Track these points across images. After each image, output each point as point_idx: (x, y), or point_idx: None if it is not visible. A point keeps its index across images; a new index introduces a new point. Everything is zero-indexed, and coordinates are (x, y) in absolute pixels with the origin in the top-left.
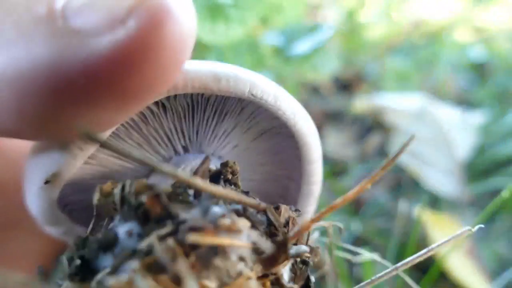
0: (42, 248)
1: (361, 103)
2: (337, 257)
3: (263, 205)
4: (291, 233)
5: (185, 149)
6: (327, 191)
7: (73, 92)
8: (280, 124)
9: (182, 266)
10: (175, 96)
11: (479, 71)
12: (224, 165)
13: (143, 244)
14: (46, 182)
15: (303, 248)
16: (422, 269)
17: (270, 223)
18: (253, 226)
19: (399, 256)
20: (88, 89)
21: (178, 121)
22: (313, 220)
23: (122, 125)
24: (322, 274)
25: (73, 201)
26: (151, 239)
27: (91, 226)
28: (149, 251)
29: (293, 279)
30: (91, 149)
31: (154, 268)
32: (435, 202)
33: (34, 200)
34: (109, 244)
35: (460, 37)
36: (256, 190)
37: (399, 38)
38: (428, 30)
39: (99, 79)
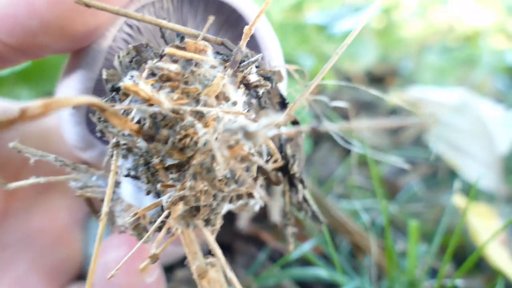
0: (72, 204)
1: (396, 95)
2: (386, 246)
3: (219, 38)
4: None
5: None
6: (363, 176)
7: None
8: None
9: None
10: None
11: None
12: None
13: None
14: (75, 106)
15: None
16: (457, 258)
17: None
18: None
19: (444, 246)
20: None
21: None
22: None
23: None
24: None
25: None
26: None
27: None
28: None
29: (268, 98)
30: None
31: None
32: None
33: (68, 126)
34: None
35: (495, 43)
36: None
37: (433, 38)
38: (462, 34)
39: None
